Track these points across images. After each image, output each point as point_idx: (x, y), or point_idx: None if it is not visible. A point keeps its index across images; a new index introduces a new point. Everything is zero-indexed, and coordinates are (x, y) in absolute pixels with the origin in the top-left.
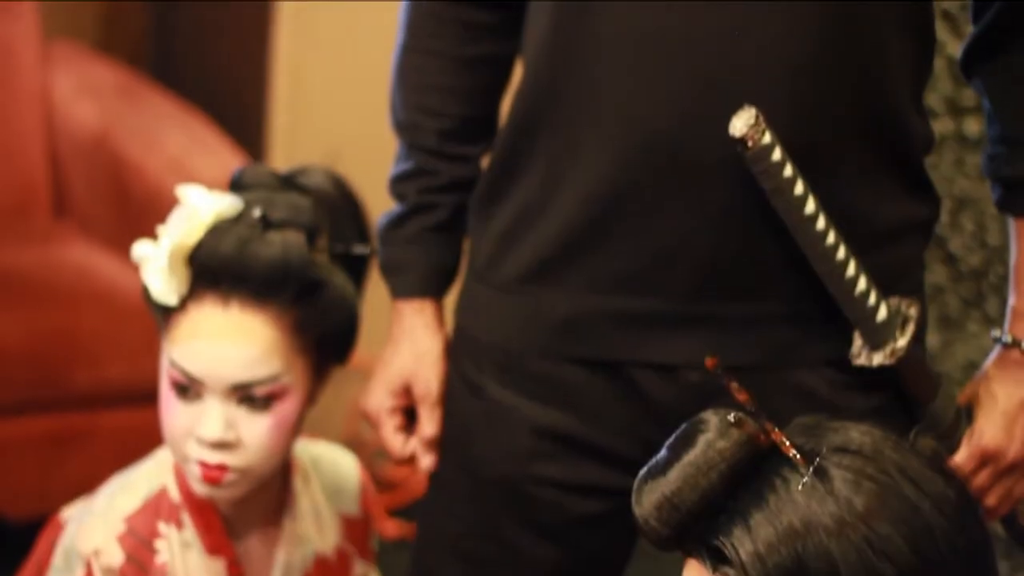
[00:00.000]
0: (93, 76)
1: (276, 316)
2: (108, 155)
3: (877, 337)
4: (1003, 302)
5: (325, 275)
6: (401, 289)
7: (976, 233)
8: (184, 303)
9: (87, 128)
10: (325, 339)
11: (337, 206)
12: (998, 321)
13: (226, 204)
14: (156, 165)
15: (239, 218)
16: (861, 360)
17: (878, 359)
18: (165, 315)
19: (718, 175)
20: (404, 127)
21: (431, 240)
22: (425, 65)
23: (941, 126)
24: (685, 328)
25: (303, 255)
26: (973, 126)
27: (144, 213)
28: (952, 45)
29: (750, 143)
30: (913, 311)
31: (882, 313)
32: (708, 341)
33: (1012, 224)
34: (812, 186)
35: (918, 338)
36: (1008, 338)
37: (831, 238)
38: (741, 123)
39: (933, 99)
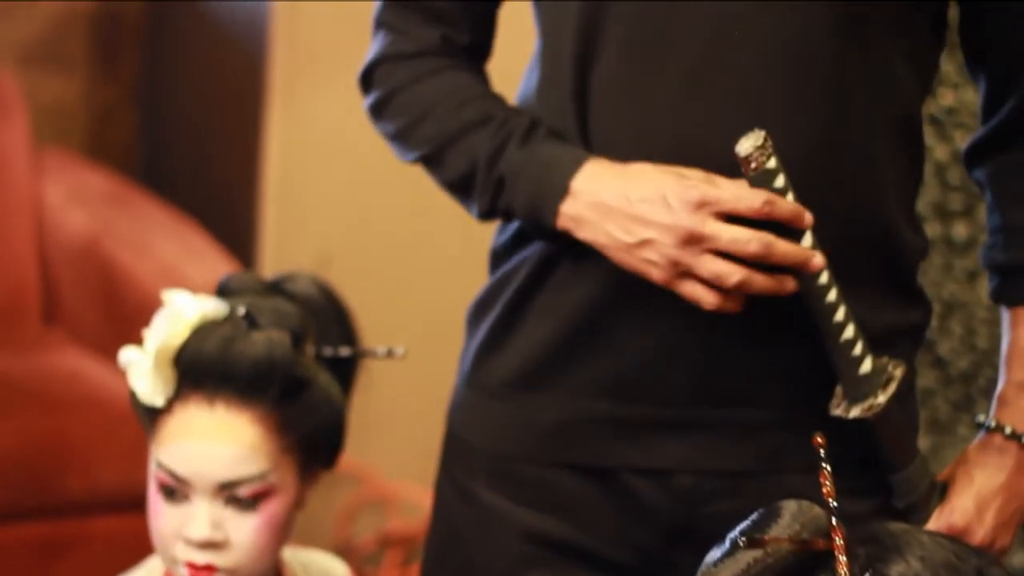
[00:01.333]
0: (83, 183)
1: (262, 415)
2: (99, 262)
3: (858, 390)
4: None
5: (310, 375)
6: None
7: (965, 337)
8: (170, 405)
9: (78, 235)
10: (311, 440)
11: (323, 311)
12: None
13: (211, 306)
14: (147, 272)
15: (224, 320)
16: (839, 411)
17: (855, 412)
18: (152, 418)
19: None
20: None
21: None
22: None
23: (929, 230)
24: (677, 433)
25: (288, 354)
26: (961, 230)
27: (135, 320)
28: (939, 150)
29: (754, 164)
30: (898, 372)
31: (866, 366)
32: (700, 446)
33: (1005, 314)
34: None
35: (904, 404)
36: (991, 422)
37: (824, 277)
38: (748, 143)
39: (921, 204)
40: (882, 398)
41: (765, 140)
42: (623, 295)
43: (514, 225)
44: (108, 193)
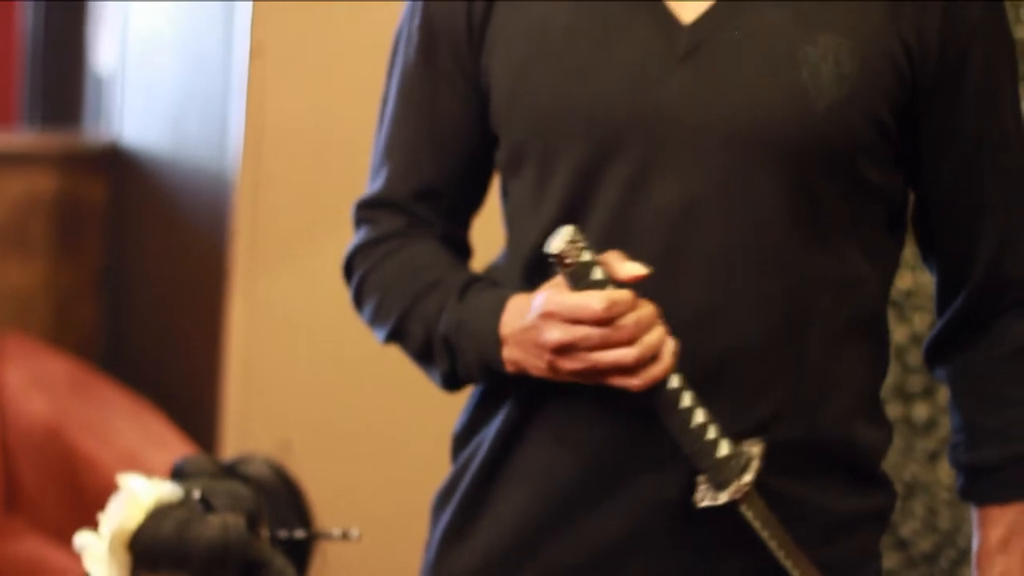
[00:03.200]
0: (44, 369)
1: None
2: (60, 448)
3: (721, 475)
4: None
5: (266, 557)
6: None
7: (927, 518)
8: None
9: (39, 421)
10: None
11: (278, 494)
12: None
13: (166, 490)
14: (108, 458)
15: (180, 503)
16: (706, 501)
17: (723, 497)
18: None
19: (667, 472)
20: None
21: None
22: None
23: (889, 411)
24: None
25: (243, 537)
26: (921, 411)
27: (96, 506)
28: (899, 332)
29: (568, 259)
30: (757, 450)
31: (723, 449)
32: None
33: (974, 513)
34: (764, 485)
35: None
36: None
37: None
38: (559, 240)
39: None
40: (748, 478)
41: (575, 234)
42: (586, 479)
43: (471, 409)
44: (69, 379)
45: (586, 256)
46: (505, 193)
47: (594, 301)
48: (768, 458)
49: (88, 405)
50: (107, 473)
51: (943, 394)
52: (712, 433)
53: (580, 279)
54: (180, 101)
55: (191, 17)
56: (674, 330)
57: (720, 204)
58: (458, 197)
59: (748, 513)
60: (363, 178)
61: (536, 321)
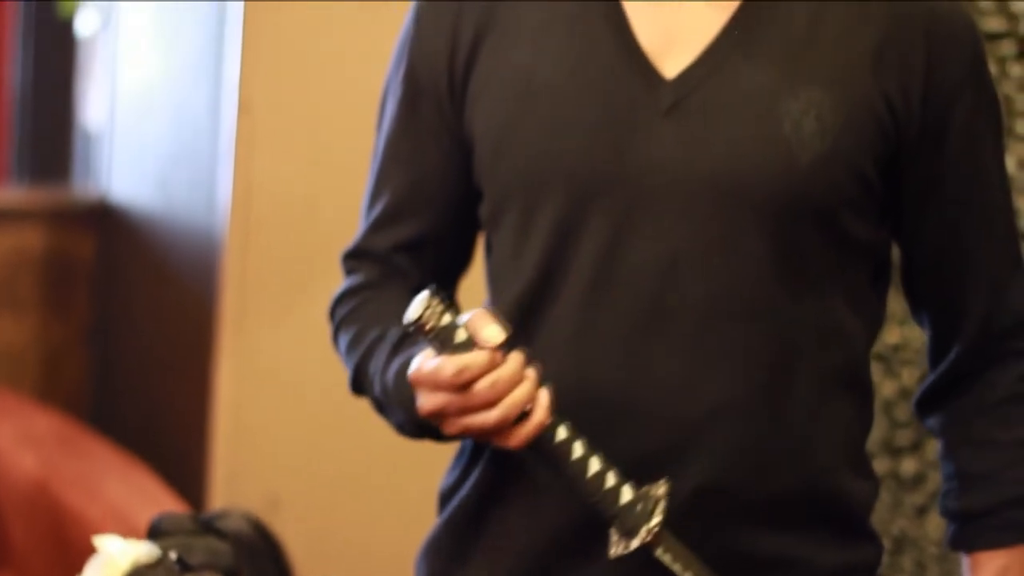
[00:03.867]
0: (33, 425)
1: None
2: (48, 504)
3: (629, 522)
4: None
5: None
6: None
7: (916, 573)
8: None
9: (27, 477)
10: None
11: (257, 549)
12: None
13: (143, 551)
14: (96, 515)
15: (157, 564)
16: (619, 549)
17: (635, 543)
18: None
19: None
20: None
21: None
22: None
23: (878, 466)
24: None
25: None
26: (909, 466)
27: (84, 563)
28: (887, 387)
29: (428, 325)
30: (662, 491)
31: (626, 494)
32: None
33: (964, 563)
34: (752, 536)
35: None
36: None
37: (549, 420)
38: (416, 307)
39: (868, 441)
40: (656, 520)
41: (431, 299)
42: (562, 538)
43: (455, 465)
44: (58, 435)
45: (447, 319)
46: (488, 248)
47: (445, 368)
48: (754, 511)
49: (76, 461)
50: (95, 529)
51: (932, 448)
52: (611, 480)
53: (445, 343)
54: (169, 157)
55: (180, 74)
56: (658, 385)
57: (702, 258)
58: (442, 251)
59: (665, 556)
60: (351, 235)
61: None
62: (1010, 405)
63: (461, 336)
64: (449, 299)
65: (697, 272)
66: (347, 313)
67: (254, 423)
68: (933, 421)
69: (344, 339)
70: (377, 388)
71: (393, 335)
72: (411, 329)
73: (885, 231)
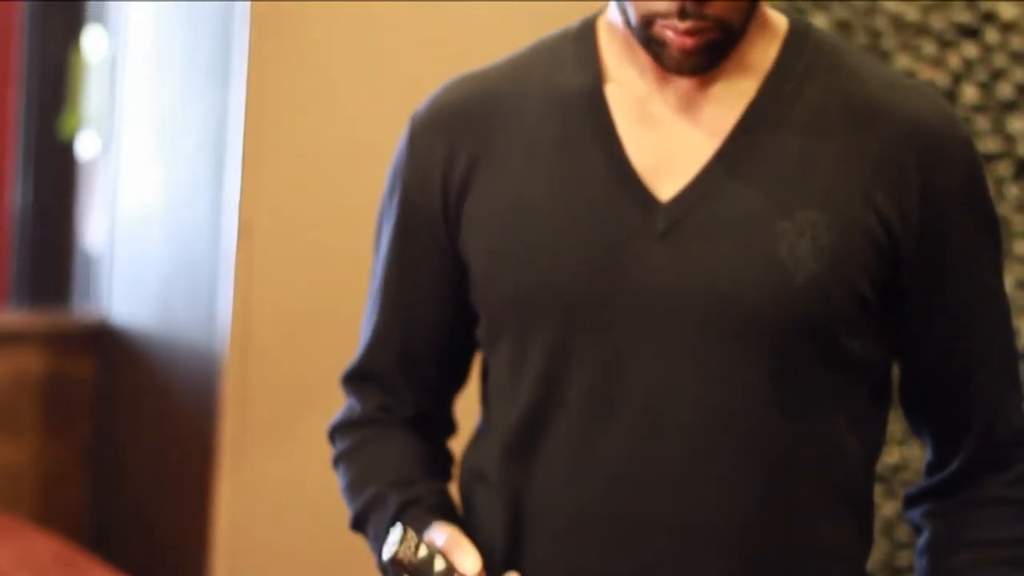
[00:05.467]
0: (32, 548)
1: None
2: None
3: None
4: None
5: None
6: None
7: None
8: None
9: None
10: None
11: None
12: None
13: None
14: None
15: None
16: None
17: None
18: None
19: None
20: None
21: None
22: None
23: None
24: None
25: None
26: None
27: None
28: (887, 507)
29: (407, 560)
30: None
31: None
32: None
33: None
34: None
35: None
36: None
37: None
38: (391, 545)
39: (870, 562)
40: None
41: (404, 533)
42: None
43: None
44: (57, 558)
45: (423, 552)
46: (485, 369)
47: None
48: None
49: None
50: None
51: None
52: None
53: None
54: (169, 279)
55: (180, 196)
56: (656, 506)
57: (699, 381)
58: (438, 372)
59: None
60: (351, 357)
61: None
62: (992, 507)
63: (440, 565)
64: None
65: (693, 395)
66: (347, 450)
67: (253, 546)
68: (916, 512)
69: (344, 478)
70: (372, 546)
71: (391, 505)
72: (388, 565)
73: (884, 349)
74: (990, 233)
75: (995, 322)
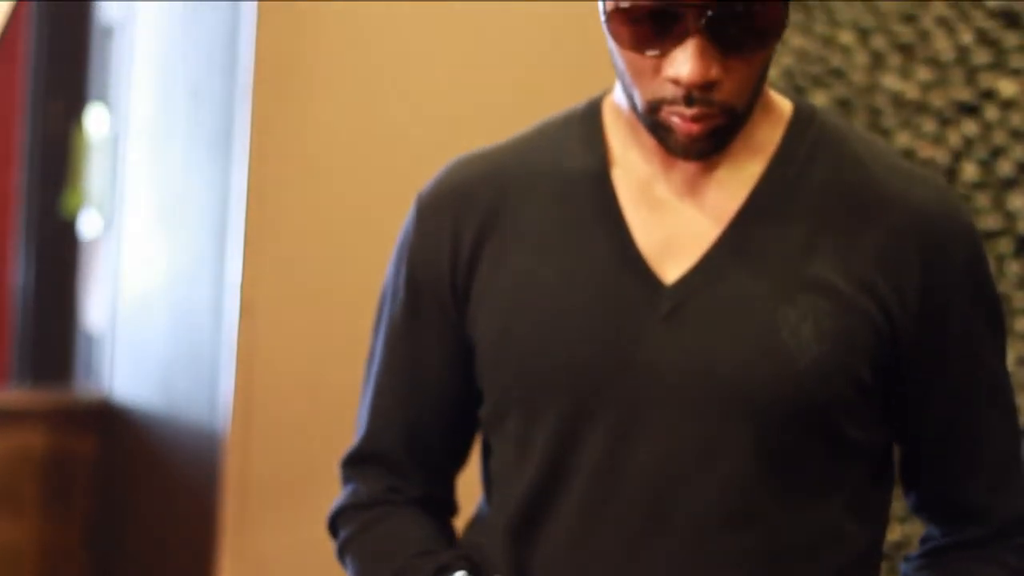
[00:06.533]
0: None
1: None
2: None
3: None
4: None
5: None
6: None
7: None
8: None
9: None
10: None
11: None
12: None
13: None
14: None
15: None
16: None
17: None
18: None
19: None
20: None
21: None
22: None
23: None
24: None
25: None
26: None
27: None
28: None
29: None
30: None
31: None
32: None
33: None
34: None
35: None
36: None
37: None
38: None
39: None
40: None
41: None
42: None
43: None
44: None
45: None
46: (487, 449)
47: None
48: None
49: None
50: None
51: None
52: None
53: None
54: (170, 358)
55: (182, 275)
56: None
57: (699, 464)
58: (442, 453)
59: None
60: (352, 437)
61: None
62: (996, 565)
63: None
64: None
65: (694, 478)
66: (355, 533)
67: None
68: (911, 567)
69: (356, 562)
70: None
71: (426, 570)
72: None
73: (885, 433)
74: (991, 318)
75: (996, 405)
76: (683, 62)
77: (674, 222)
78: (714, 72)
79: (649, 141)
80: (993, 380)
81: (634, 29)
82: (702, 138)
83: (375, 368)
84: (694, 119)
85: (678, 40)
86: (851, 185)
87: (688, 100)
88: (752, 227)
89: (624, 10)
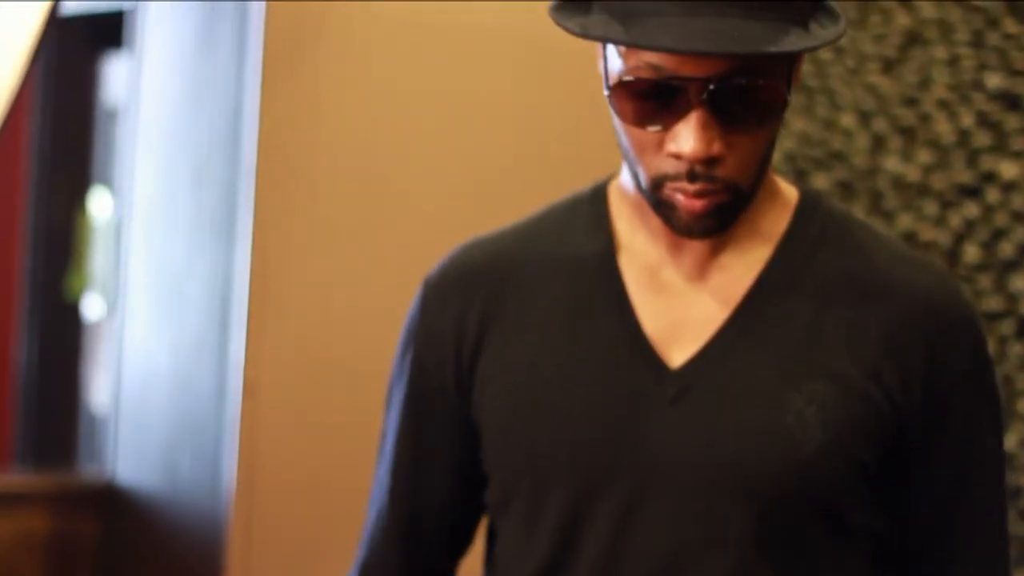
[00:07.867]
0: None
1: None
2: None
3: None
4: None
5: None
6: None
7: None
8: None
9: None
10: None
11: None
12: None
13: None
14: None
15: None
16: None
17: None
18: None
19: None
20: None
21: None
22: None
23: None
24: None
25: None
26: None
27: None
28: None
29: None
30: None
31: None
32: None
33: None
34: None
35: None
36: None
37: None
38: None
39: None
40: None
41: None
42: None
43: None
44: None
45: None
46: (491, 534)
47: None
48: None
49: None
50: None
51: None
52: None
53: None
54: (174, 440)
55: (184, 356)
56: None
57: (703, 549)
58: (446, 534)
59: None
60: (357, 524)
61: None
62: None
63: None
64: None
65: (697, 563)
66: None
67: None
68: None
69: None
70: None
71: None
72: None
73: (886, 518)
74: (991, 402)
75: (990, 489)
76: (685, 136)
77: (681, 306)
78: (716, 147)
79: (656, 224)
80: (988, 469)
81: (637, 104)
82: (706, 215)
83: (385, 449)
84: (697, 195)
85: (680, 114)
86: (856, 272)
87: (691, 176)
88: (759, 311)
89: (627, 84)
